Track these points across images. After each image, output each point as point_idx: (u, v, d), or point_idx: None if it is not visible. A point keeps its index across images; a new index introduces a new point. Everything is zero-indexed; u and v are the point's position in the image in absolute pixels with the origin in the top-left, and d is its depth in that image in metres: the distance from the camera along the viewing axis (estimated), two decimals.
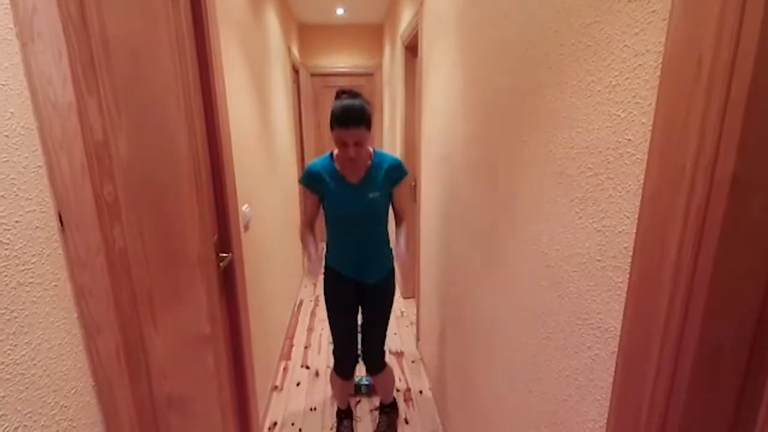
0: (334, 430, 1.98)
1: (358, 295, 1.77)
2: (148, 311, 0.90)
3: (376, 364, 1.83)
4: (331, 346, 2.23)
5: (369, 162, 1.67)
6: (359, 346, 1.83)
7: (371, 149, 1.69)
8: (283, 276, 2.71)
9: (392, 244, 1.75)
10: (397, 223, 1.77)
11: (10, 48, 0.53)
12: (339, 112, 1.48)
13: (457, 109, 1.52)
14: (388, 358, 2.41)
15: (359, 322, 1.81)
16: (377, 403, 2.12)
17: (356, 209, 1.64)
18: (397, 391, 2.24)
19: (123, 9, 0.84)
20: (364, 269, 1.72)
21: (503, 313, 1.11)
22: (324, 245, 1.76)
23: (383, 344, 1.83)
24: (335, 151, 1.66)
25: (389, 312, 1.80)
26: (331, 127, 1.53)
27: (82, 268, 0.64)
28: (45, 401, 0.57)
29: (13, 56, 0.53)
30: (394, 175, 1.68)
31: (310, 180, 1.65)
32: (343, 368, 1.82)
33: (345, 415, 2.00)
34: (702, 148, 0.46)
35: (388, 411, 1.99)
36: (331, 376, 1.89)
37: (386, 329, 1.82)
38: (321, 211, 1.74)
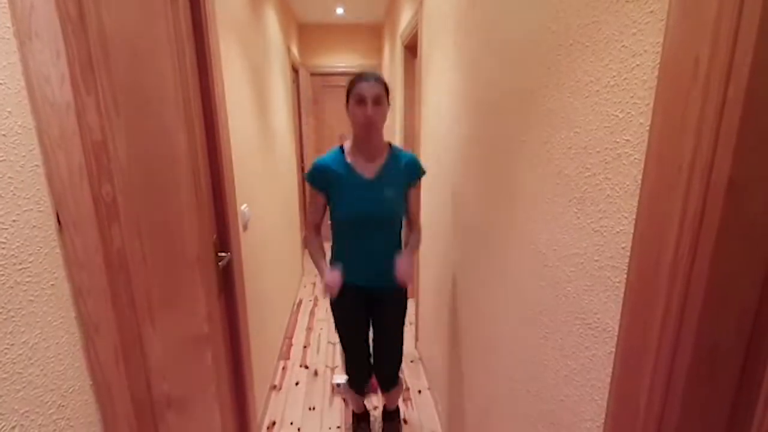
0: (351, 430, 1.94)
1: (369, 305, 1.62)
2: (147, 310, 0.90)
3: (391, 382, 1.70)
4: (333, 347, 2.10)
5: (385, 154, 1.50)
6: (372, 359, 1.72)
7: (387, 142, 1.54)
8: (282, 275, 2.71)
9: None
10: (411, 230, 1.62)
11: (8, 47, 0.53)
12: (357, 74, 1.42)
13: (456, 109, 1.52)
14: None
15: (371, 334, 1.69)
16: (376, 403, 2.13)
17: (370, 209, 1.46)
18: None
19: (122, 8, 0.84)
20: (376, 278, 1.54)
21: (502, 312, 1.11)
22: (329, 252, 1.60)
23: (400, 360, 1.68)
24: (346, 144, 1.51)
25: (403, 324, 1.65)
26: (347, 100, 1.42)
27: (80, 268, 0.64)
28: (42, 400, 0.57)
29: (11, 55, 0.53)
30: (412, 173, 1.54)
31: (318, 176, 1.47)
32: (357, 383, 1.73)
33: (361, 419, 1.93)
34: (699, 149, 0.47)
35: (392, 417, 1.94)
36: (346, 388, 1.81)
37: (402, 343, 1.66)
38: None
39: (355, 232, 1.50)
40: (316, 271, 3.17)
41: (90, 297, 0.66)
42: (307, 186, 1.53)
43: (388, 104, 1.44)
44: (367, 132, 1.41)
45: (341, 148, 1.51)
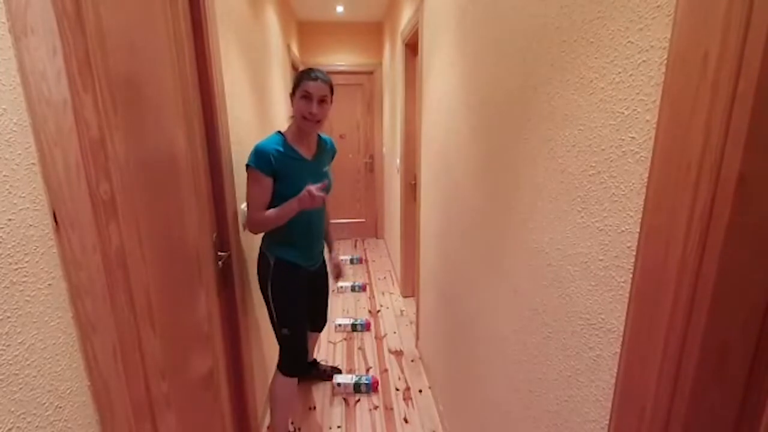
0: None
1: (310, 286, 1.78)
2: (146, 310, 0.89)
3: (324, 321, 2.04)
4: (333, 347, 2.20)
5: (317, 137, 1.72)
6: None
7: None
8: None
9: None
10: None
11: (3, 43, 0.52)
12: (307, 70, 1.54)
13: (458, 107, 1.51)
14: (388, 361, 2.43)
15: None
16: (377, 403, 2.12)
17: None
18: (397, 390, 2.23)
19: (119, 4, 0.83)
20: (314, 254, 1.73)
21: (503, 312, 1.10)
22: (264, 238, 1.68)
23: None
24: (286, 128, 1.63)
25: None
26: (293, 91, 1.56)
27: (78, 267, 0.63)
28: (39, 402, 0.57)
29: (6, 51, 0.52)
30: (332, 153, 1.81)
31: (263, 160, 1.48)
32: (303, 364, 1.73)
33: None
34: (708, 146, 0.46)
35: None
36: (288, 385, 1.68)
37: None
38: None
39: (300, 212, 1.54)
40: None
41: (88, 297, 0.65)
42: (248, 173, 1.51)
43: (331, 100, 1.60)
44: (310, 127, 1.55)
45: (281, 133, 1.60)
